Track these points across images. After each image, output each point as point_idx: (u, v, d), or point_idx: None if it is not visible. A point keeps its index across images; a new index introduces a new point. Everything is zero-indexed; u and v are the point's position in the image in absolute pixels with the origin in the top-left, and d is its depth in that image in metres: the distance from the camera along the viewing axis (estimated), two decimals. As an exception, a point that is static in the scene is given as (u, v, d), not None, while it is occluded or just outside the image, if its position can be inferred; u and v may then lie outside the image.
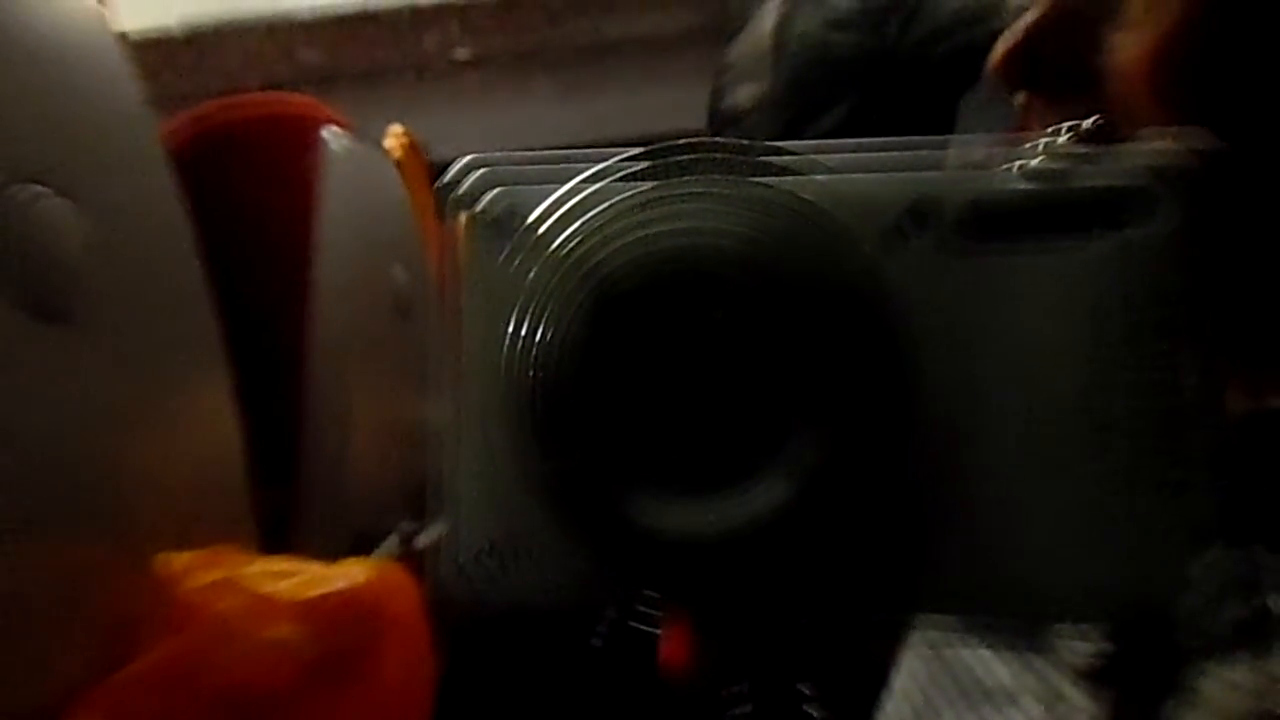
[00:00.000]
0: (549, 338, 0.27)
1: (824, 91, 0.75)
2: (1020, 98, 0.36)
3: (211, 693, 0.48)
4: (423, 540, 0.80)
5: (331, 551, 0.61)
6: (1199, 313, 0.26)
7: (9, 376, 0.45)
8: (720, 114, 0.83)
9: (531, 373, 0.27)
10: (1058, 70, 0.34)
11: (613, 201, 0.27)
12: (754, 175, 0.27)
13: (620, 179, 0.28)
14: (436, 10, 1.46)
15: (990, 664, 0.41)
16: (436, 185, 0.30)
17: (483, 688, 0.77)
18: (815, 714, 0.31)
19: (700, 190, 0.27)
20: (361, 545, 0.77)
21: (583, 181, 0.28)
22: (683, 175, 0.27)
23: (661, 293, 0.27)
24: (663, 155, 0.28)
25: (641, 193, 0.27)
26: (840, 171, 0.27)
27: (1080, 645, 0.38)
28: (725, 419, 0.27)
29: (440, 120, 1.20)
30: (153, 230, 0.57)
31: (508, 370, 0.27)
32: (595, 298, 0.27)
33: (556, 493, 0.27)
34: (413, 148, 1.06)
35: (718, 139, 0.28)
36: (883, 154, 0.28)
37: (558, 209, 0.28)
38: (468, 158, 0.30)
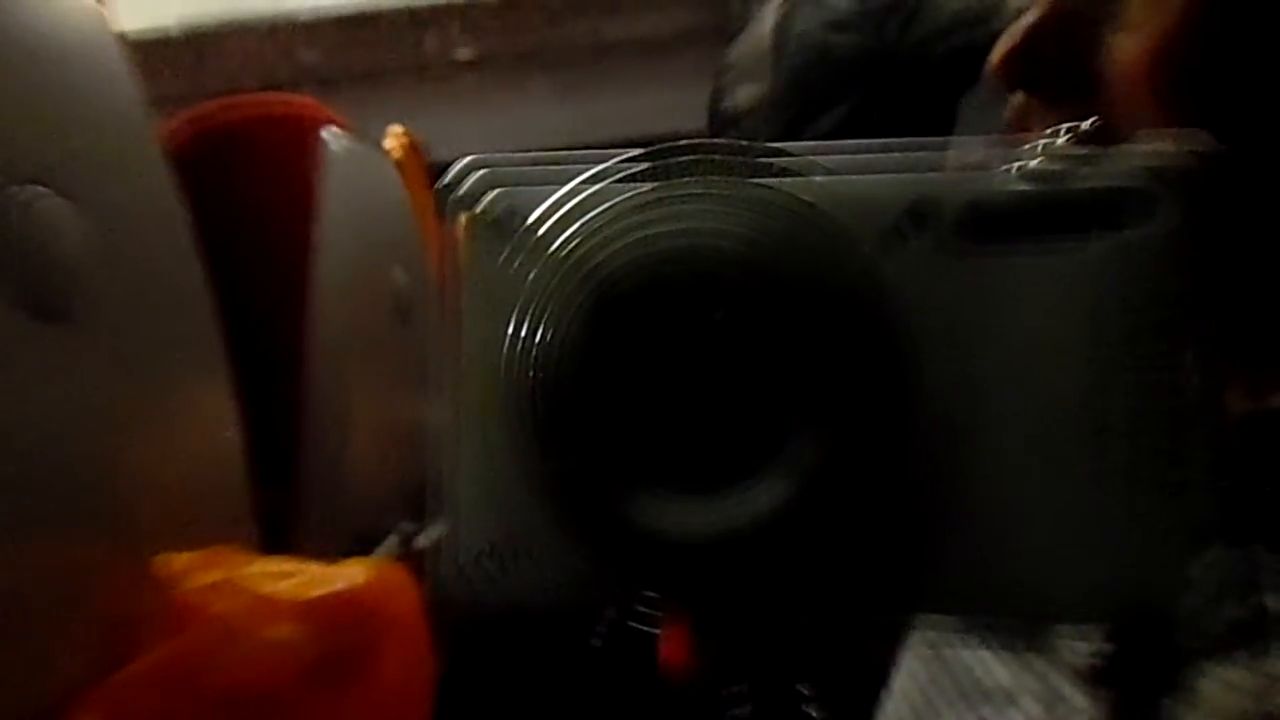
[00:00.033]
0: (549, 338, 0.27)
1: (824, 92, 0.75)
2: (1015, 98, 0.36)
3: (211, 693, 0.48)
4: (423, 541, 0.80)
5: (331, 552, 0.61)
6: (1198, 313, 0.26)
7: (8, 376, 0.45)
8: (720, 115, 0.83)
9: (531, 373, 0.27)
10: (1057, 72, 0.34)
11: (612, 202, 0.27)
12: (754, 176, 0.27)
13: (620, 180, 0.28)
14: (436, 11, 1.46)
15: (990, 664, 0.41)
16: (437, 186, 0.30)
17: (483, 688, 0.77)
18: (815, 714, 0.31)
19: (700, 191, 0.27)
20: (361, 545, 0.77)
21: (582, 182, 0.28)
22: (682, 176, 0.27)
23: (661, 293, 0.27)
24: (662, 156, 0.28)
25: (641, 194, 0.27)
26: (839, 172, 0.27)
27: (1080, 645, 0.38)
28: (725, 419, 0.27)
29: (440, 121, 1.20)
30: (152, 230, 0.57)
31: (508, 371, 0.27)
32: (595, 298, 0.27)
33: (556, 493, 0.27)
34: (413, 148, 1.06)
35: (717, 140, 0.28)
36: (882, 155, 0.27)
37: (557, 210, 0.28)
38: (468, 159, 0.30)
